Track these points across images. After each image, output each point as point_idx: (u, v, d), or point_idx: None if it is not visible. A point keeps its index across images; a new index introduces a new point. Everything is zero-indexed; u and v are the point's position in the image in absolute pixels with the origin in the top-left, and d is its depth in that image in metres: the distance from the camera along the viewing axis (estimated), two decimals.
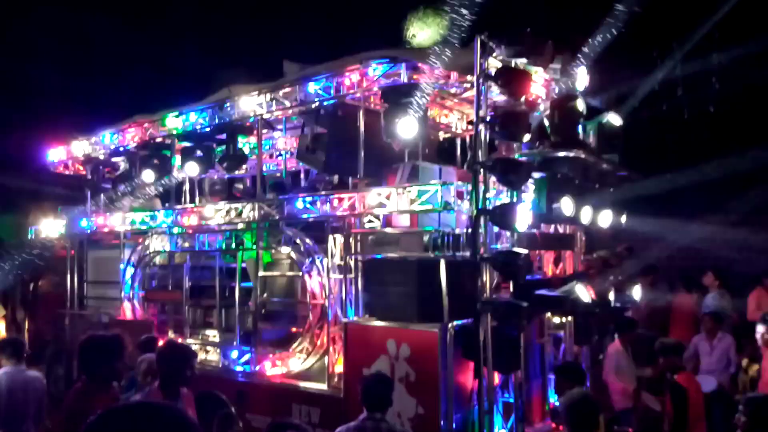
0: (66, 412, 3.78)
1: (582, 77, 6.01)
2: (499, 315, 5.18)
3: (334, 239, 6.42)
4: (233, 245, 7.50)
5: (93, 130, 9.42)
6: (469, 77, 5.64)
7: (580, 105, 5.64)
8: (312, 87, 6.63)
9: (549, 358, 6.55)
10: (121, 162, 9.36)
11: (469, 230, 5.34)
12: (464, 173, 6.66)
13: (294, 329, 7.04)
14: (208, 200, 9.42)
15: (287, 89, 6.94)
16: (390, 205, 5.92)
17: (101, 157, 9.43)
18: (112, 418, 1.48)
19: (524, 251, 5.26)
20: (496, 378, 5.54)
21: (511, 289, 5.71)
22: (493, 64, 5.40)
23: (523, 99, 5.56)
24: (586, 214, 5.76)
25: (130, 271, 8.70)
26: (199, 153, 8.14)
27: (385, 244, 5.86)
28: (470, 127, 6.11)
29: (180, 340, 7.79)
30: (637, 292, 6.81)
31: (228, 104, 7.47)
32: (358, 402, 4.42)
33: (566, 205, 5.44)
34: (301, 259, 6.79)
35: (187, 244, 8.14)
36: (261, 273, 7.17)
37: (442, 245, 5.51)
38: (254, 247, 7.19)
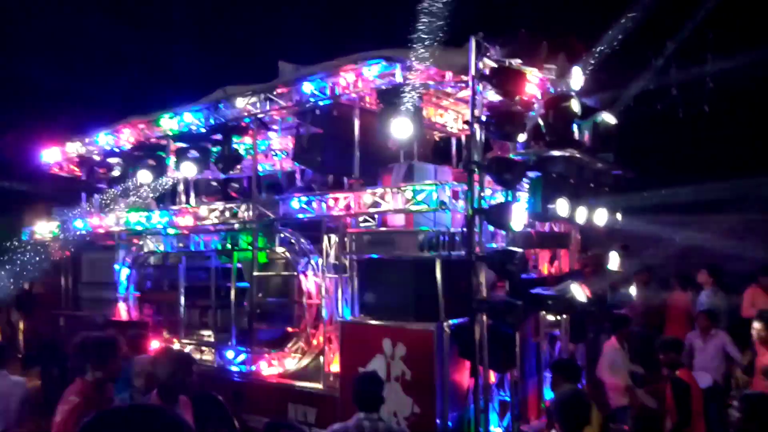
0: (60, 414, 3.76)
1: (577, 77, 6.03)
2: (494, 314, 5.19)
3: (330, 239, 6.42)
4: (228, 245, 7.50)
5: (87, 130, 9.39)
6: (464, 77, 5.64)
7: (575, 105, 5.66)
8: (307, 87, 6.63)
9: (544, 356, 6.57)
10: (116, 163, 9.32)
11: (465, 229, 5.35)
12: (459, 173, 6.67)
13: (290, 329, 7.03)
14: (203, 201, 9.40)
15: (282, 89, 6.94)
16: (385, 204, 5.92)
17: (96, 157, 9.40)
18: (106, 420, 1.48)
19: (519, 250, 5.28)
20: (492, 376, 5.56)
21: (507, 288, 5.72)
22: (488, 64, 5.40)
23: (518, 99, 5.57)
24: (581, 214, 5.78)
25: (125, 271, 8.70)
26: (194, 153, 8.10)
27: (380, 244, 5.85)
28: (465, 126, 6.13)
29: (175, 341, 7.80)
30: (632, 290, 6.84)
31: (223, 104, 7.47)
32: (353, 401, 4.42)
33: (561, 204, 5.46)
34: (296, 259, 6.79)
35: (182, 245, 8.13)
36: (256, 273, 7.17)
37: (438, 245, 5.50)
38: (249, 247, 7.19)
